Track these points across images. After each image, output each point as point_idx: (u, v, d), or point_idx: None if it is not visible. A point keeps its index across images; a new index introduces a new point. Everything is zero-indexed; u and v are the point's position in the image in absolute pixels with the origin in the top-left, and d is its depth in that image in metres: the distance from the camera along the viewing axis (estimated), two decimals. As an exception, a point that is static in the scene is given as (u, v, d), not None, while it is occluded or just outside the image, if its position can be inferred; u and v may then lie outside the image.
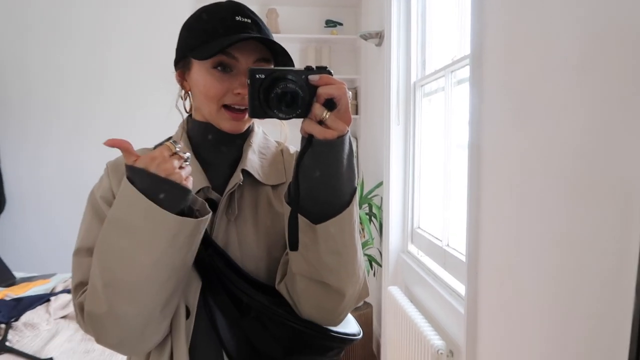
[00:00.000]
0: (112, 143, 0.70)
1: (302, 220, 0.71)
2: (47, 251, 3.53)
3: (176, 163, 0.70)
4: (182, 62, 0.86)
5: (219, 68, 0.80)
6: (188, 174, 0.72)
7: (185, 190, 0.71)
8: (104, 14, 3.57)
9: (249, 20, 0.82)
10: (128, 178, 0.70)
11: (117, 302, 0.71)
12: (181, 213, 0.71)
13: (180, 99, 0.91)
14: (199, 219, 0.72)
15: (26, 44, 3.55)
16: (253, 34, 0.80)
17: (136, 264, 0.70)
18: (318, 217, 0.71)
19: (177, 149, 0.70)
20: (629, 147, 0.83)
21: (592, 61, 0.93)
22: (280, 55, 0.81)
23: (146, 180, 0.69)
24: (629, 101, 0.83)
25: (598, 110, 0.92)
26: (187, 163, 0.72)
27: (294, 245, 0.72)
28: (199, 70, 0.82)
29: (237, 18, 0.81)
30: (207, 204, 0.77)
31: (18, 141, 3.59)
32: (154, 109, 3.49)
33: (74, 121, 3.60)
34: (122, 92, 3.61)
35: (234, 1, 0.85)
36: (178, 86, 0.90)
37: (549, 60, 1.08)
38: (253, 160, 0.88)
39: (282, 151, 0.95)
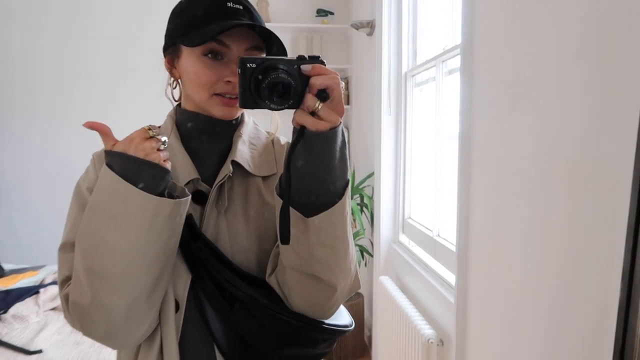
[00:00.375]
0: (90, 125, 0.72)
1: (293, 213, 0.70)
2: (35, 243, 3.50)
3: (154, 144, 0.70)
4: (171, 49, 0.84)
5: (209, 55, 0.79)
6: (166, 157, 0.72)
7: (164, 171, 0.71)
8: (87, 5, 3.50)
9: (241, 7, 0.80)
10: (107, 164, 0.70)
11: (101, 291, 0.71)
12: (161, 196, 0.71)
13: (169, 87, 0.89)
14: (177, 200, 0.72)
15: (6, 31, 3.46)
16: (245, 21, 0.78)
17: (117, 250, 0.69)
18: (310, 209, 0.70)
19: (154, 132, 0.71)
20: (616, 140, 0.83)
21: (583, 53, 0.93)
22: (272, 43, 0.80)
23: (125, 162, 0.69)
24: (618, 94, 0.83)
25: (587, 102, 0.92)
26: (164, 146, 0.72)
27: (285, 239, 0.71)
28: (189, 58, 0.80)
29: (229, 4, 0.79)
30: (186, 190, 0.76)
31: (1, 131, 3.53)
32: (140, 96, 3.45)
33: (58, 110, 3.53)
34: (107, 79, 3.54)
35: None
36: (167, 73, 0.89)
37: (540, 50, 1.08)
38: (243, 151, 0.87)
39: (272, 142, 0.94)
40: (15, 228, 3.57)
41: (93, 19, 3.51)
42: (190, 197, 0.75)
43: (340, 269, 0.75)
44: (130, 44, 3.52)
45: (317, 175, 0.69)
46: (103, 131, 0.72)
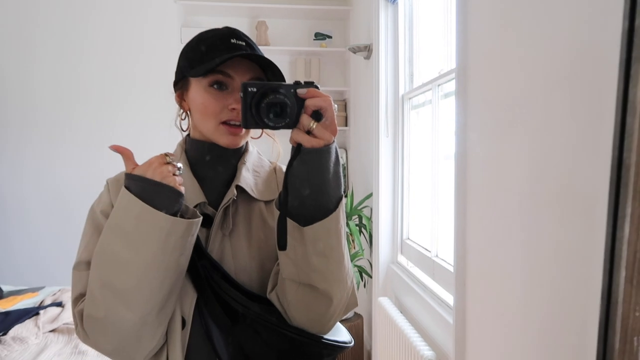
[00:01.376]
0: (116, 148, 0.79)
1: (290, 223, 0.75)
2: (33, 264, 3.49)
3: (170, 169, 0.76)
4: (180, 83, 0.91)
5: (215, 86, 0.85)
6: (181, 182, 0.78)
7: (178, 193, 0.76)
8: (83, 23, 3.52)
9: (244, 43, 0.87)
10: (126, 187, 0.76)
11: (114, 306, 0.75)
12: (175, 216, 0.76)
13: (178, 118, 0.96)
14: (190, 220, 0.76)
15: (3, 51, 3.48)
16: (245, 52, 0.84)
17: (131, 265, 0.74)
18: (305, 220, 0.75)
19: (171, 159, 0.77)
20: (597, 161, 0.86)
21: (568, 80, 0.97)
22: (272, 74, 0.86)
23: (143, 184, 0.75)
24: (598, 120, 0.86)
25: (573, 129, 0.95)
26: (180, 172, 0.78)
27: (282, 245, 0.76)
28: (197, 90, 0.86)
29: (232, 40, 0.86)
30: (197, 212, 0.81)
31: None
32: (135, 116, 3.51)
33: (55, 131, 3.54)
34: (102, 99, 3.55)
35: (231, 27, 0.90)
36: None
37: (531, 76, 1.12)
38: (247, 177, 0.92)
39: (275, 170, 0.99)
40: (12, 249, 3.56)
41: (88, 38, 3.53)
42: (201, 218, 0.79)
43: (335, 279, 0.79)
44: (125, 64, 3.55)
45: (313, 189, 0.74)
46: (126, 155, 0.79)
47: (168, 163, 0.77)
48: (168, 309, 0.80)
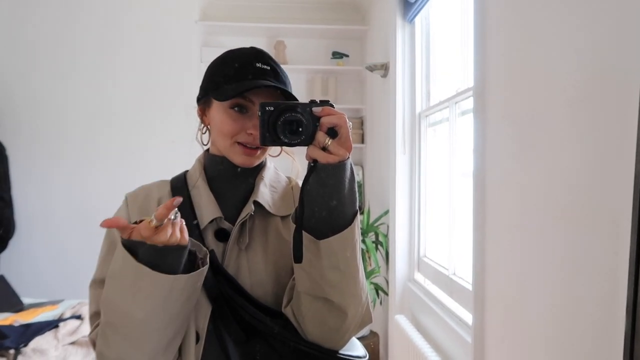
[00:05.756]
0: (108, 224, 0.71)
1: (306, 236, 0.76)
2: (54, 277, 3.54)
3: (168, 231, 0.70)
4: (203, 99, 0.93)
5: (235, 108, 0.87)
6: (180, 227, 0.72)
7: (182, 249, 0.73)
8: (112, 44, 3.62)
9: (268, 67, 0.88)
10: (123, 244, 0.71)
11: (124, 349, 0.76)
12: (184, 265, 0.74)
13: (199, 132, 0.97)
14: (189, 274, 0.74)
15: (35, 72, 3.59)
16: (268, 81, 0.86)
17: (133, 316, 0.73)
18: (322, 234, 0.76)
19: (155, 221, 0.69)
20: (618, 178, 0.86)
21: (588, 97, 0.97)
22: (292, 100, 0.87)
23: (144, 249, 0.70)
24: (619, 136, 0.86)
25: (591, 143, 0.95)
26: (177, 215, 0.72)
27: (298, 258, 0.77)
28: (218, 109, 0.88)
29: (257, 64, 0.87)
30: (209, 255, 0.79)
31: (26, 166, 3.60)
32: (162, 137, 3.56)
33: (83, 151, 3.62)
34: (129, 122, 3.63)
35: (256, 48, 0.91)
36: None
37: (548, 93, 1.13)
38: (264, 192, 0.93)
39: (292, 187, 1.00)
40: (37, 263, 3.63)
41: (118, 61, 3.62)
42: (207, 267, 0.78)
43: (351, 293, 0.80)
44: (154, 87, 3.63)
45: (328, 203, 0.75)
46: (120, 226, 0.72)
47: (157, 227, 0.69)
48: (177, 341, 0.81)
